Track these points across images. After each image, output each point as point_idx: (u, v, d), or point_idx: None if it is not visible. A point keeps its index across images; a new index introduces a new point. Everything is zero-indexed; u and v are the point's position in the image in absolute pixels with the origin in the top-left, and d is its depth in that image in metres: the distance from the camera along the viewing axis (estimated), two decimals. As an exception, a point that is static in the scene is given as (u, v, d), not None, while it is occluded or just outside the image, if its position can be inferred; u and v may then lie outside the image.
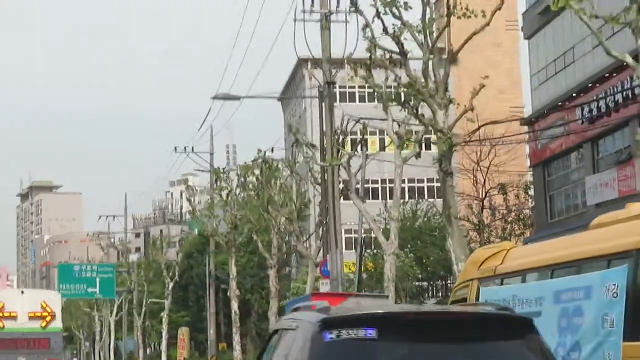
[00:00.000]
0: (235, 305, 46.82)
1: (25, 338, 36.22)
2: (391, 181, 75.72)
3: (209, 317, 56.80)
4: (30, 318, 36.90)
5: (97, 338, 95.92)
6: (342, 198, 33.08)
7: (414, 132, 27.82)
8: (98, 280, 68.41)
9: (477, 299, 14.54)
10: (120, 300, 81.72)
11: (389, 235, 27.99)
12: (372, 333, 7.27)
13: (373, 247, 57.71)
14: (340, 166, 30.67)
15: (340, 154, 30.10)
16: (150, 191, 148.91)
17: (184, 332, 70.59)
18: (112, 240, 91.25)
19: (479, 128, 22.73)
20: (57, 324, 37.68)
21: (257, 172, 40.15)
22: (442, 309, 8.48)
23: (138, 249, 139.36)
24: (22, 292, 40.42)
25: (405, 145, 26.16)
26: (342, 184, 32.47)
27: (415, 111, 23.56)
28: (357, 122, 30.69)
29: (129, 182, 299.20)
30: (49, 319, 37.32)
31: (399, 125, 27.57)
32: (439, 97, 22.42)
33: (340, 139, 30.84)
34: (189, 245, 72.64)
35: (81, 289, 68.88)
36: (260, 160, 39.54)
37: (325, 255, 33.99)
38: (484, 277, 14.84)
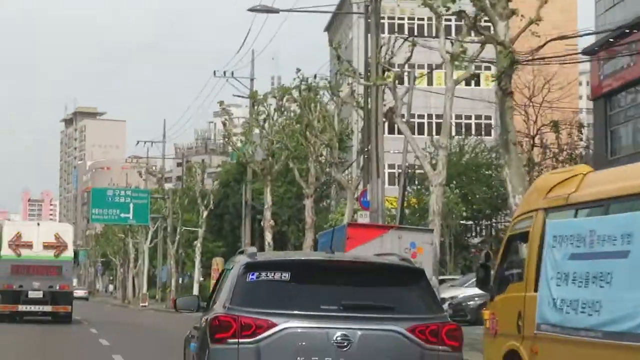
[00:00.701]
0: (268, 236, 44.56)
1: (40, 265, 38.93)
2: (437, 116, 72.90)
3: (243, 248, 54.97)
4: (44, 247, 39.33)
5: (131, 265, 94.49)
6: (386, 128, 30.39)
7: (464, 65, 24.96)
8: (131, 205, 66.78)
9: (543, 232, 11.88)
10: (155, 227, 79.93)
11: (436, 165, 25.42)
12: (285, 276, 9.04)
13: (416, 181, 55.19)
14: (385, 89, 27.99)
15: (385, 74, 27.34)
16: (192, 119, 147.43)
17: (218, 262, 68.55)
18: (154, 168, 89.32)
19: (545, 43, 19.90)
20: (69, 254, 39.98)
21: (296, 94, 37.44)
22: (349, 258, 10.13)
23: (179, 178, 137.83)
24: (38, 224, 43.41)
25: (458, 63, 23.37)
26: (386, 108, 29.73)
27: (472, 22, 20.78)
28: (406, 40, 27.89)
29: (174, 111, 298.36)
30: (61, 248, 39.61)
31: (452, 44, 24.82)
32: (500, 6, 19.64)
33: (387, 59, 28.06)
34: (226, 173, 70.35)
35: (114, 214, 67.30)
36: (299, 80, 36.79)
37: (366, 185, 31.43)
38: (552, 207, 12.10)
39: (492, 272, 14.02)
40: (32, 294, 38.55)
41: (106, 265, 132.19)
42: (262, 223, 46.78)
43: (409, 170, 38.17)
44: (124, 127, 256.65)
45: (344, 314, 8.84)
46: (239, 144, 46.67)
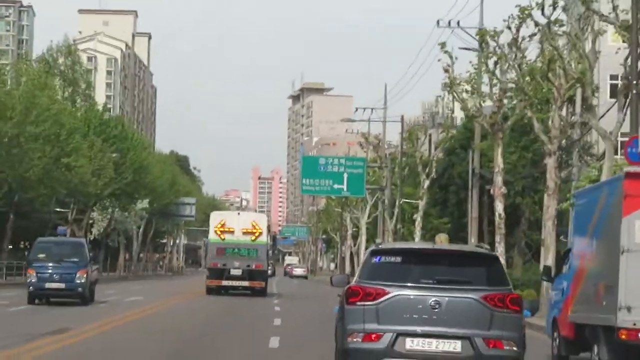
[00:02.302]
0: (499, 206, 36.71)
1: (239, 247, 47.00)
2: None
3: (470, 223, 47.99)
4: (243, 233, 47.08)
5: (350, 242, 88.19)
6: None
7: None
8: (345, 175, 60.71)
9: None
10: (374, 200, 73.07)
11: None
12: (398, 259, 13.86)
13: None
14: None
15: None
16: (416, 83, 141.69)
17: (441, 239, 61.12)
18: (379, 143, 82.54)
19: None
20: (263, 239, 47.40)
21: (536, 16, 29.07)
22: (441, 247, 14.19)
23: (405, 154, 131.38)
24: (238, 214, 53.32)
25: None
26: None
27: None
28: None
29: (399, 84, 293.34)
30: (257, 234, 47.18)
31: None
32: None
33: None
34: (451, 139, 62.58)
35: (326, 185, 61.32)
36: None
37: (635, 132, 23.09)
38: None
39: None
40: (233, 272, 46.49)
41: (328, 243, 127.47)
42: (491, 191, 38.90)
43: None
44: (351, 103, 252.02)
45: (436, 285, 13.45)
46: (465, 95, 38.79)
